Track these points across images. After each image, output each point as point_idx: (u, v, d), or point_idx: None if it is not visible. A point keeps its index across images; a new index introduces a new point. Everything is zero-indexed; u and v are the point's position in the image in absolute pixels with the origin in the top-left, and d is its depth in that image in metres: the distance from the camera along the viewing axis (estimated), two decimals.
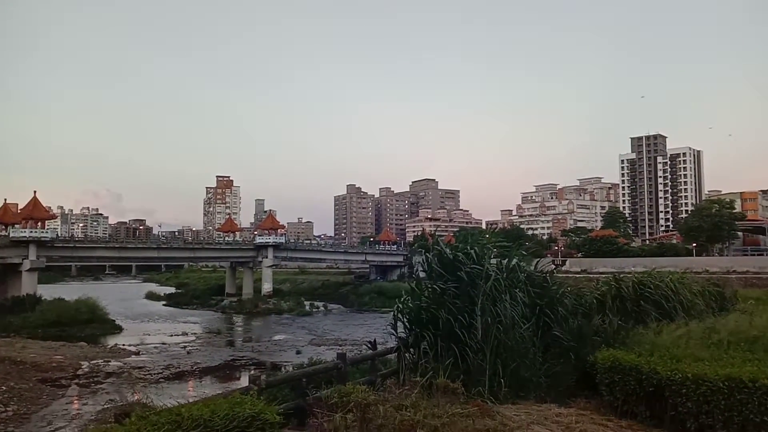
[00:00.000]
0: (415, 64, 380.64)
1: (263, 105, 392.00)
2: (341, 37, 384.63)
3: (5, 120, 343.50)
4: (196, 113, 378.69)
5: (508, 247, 12.95)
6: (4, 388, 24.80)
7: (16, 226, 62.54)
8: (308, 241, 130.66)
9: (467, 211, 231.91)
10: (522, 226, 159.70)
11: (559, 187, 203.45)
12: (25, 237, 60.64)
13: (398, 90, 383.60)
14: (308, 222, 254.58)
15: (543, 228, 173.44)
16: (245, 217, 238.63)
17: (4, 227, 64.38)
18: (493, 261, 11.69)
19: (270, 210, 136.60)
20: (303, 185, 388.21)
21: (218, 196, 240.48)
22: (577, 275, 50.77)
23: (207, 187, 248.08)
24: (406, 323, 11.40)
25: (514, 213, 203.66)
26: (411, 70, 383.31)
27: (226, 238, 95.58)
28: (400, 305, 11.75)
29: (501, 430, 6.61)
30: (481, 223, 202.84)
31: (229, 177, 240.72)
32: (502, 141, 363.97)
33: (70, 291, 72.23)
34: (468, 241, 12.19)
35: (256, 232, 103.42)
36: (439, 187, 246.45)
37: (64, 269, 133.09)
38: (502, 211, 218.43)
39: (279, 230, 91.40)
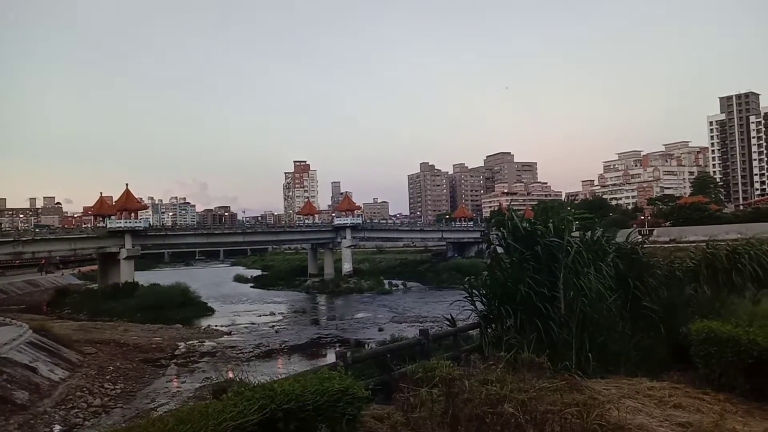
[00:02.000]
0: (485, 38, 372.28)
1: (335, 88, 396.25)
2: (412, 13, 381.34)
3: (101, 120, 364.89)
4: (271, 100, 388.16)
5: (590, 219, 12.60)
6: (111, 368, 26.68)
7: (112, 217, 66.53)
8: (384, 221, 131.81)
9: (546, 183, 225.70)
10: (605, 197, 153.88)
11: (643, 153, 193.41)
12: (120, 227, 64.52)
13: (469, 64, 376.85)
14: (383, 202, 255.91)
15: (627, 197, 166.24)
16: (323, 200, 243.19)
17: (101, 219, 68.79)
18: (576, 233, 11.41)
19: (346, 192, 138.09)
20: (376, 166, 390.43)
21: (296, 181, 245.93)
22: (666, 245, 48.51)
23: (285, 173, 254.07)
24: (484, 299, 11.34)
25: (596, 183, 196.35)
26: (481, 45, 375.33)
27: (306, 221, 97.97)
28: (474, 281, 11.71)
29: (591, 404, 6.48)
30: (561, 195, 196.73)
31: (305, 161, 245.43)
32: (581, 109, 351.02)
33: (163, 277, 76.57)
34: (547, 214, 11.93)
35: (333, 214, 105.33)
36: (515, 160, 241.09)
37: (158, 256, 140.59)
38: (582, 181, 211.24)
39: (355, 211, 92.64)
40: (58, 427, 17.79)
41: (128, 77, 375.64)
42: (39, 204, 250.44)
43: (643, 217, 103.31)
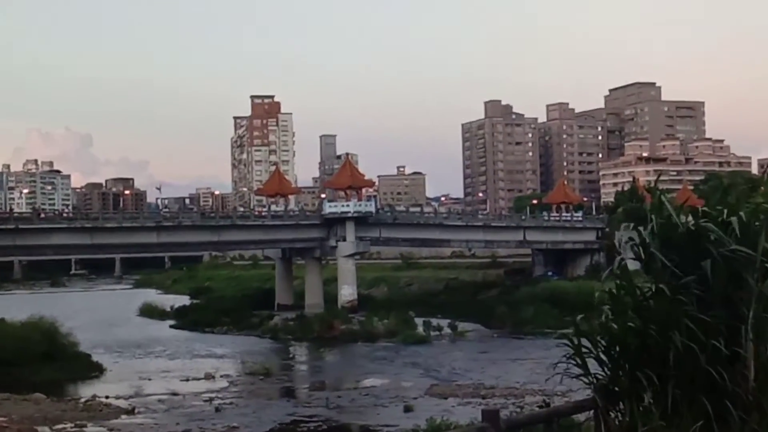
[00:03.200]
0: None
1: None
2: None
3: None
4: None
5: None
6: None
7: None
8: (417, 209, 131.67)
9: (720, 141, 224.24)
10: None
11: None
12: None
13: None
14: (416, 174, 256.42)
15: None
16: (304, 169, 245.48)
17: None
18: None
19: (347, 154, 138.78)
20: (403, 108, 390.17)
21: (255, 133, 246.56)
22: None
23: (236, 118, 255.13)
24: (604, 357, 11.30)
25: None
26: None
27: (273, 207, 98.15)
28: (584, 323, 11.66)
29: None
30: (750, 166, 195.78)
31: (272, 98, 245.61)
32: None
33: (13, 305, 77.29)
34: (725, 200, 11.83)
35: (323, 195, 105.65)
36: (662, 98, 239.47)
37: (3, 270, 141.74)
38: None
39: (365, 190, 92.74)
40: None
41: None
42: None
43: None
